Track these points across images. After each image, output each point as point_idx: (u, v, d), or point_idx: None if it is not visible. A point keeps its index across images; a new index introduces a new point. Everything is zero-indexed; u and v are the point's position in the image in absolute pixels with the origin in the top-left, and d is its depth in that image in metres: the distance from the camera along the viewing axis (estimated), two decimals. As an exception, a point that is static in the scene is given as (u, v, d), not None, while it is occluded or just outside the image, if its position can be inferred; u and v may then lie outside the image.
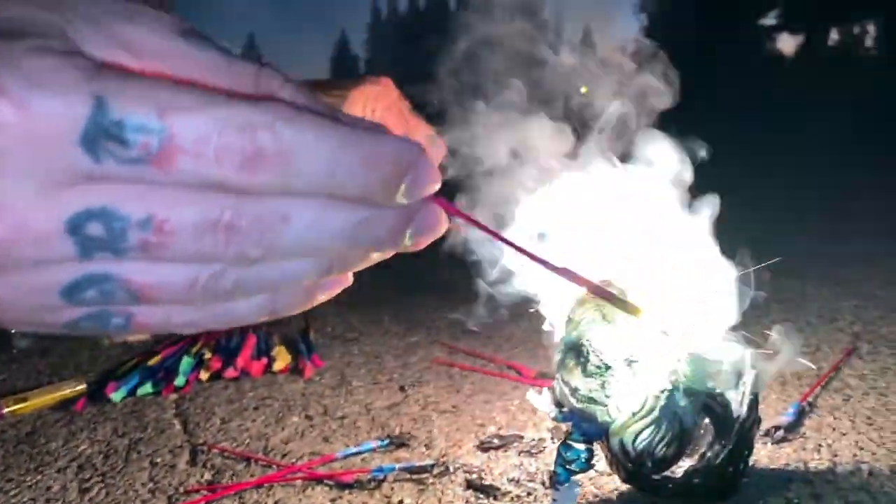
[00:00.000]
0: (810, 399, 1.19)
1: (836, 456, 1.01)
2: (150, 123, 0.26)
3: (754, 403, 0.92)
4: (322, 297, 0.35)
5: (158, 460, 1.16)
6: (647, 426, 0.83)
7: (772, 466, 0.99)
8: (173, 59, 0.29)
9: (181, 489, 1.06)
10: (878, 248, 2.25)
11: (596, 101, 0.97)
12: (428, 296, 2.06)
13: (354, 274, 0.36)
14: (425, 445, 1.14)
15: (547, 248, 0.89)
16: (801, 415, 1.12)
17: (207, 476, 1.09)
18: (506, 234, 0.44)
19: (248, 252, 0.29)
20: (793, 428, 1.09)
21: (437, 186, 0.33)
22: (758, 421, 0.93)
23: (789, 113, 7.36)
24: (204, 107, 0.27)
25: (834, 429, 1.09)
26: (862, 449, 1.02)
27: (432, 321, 1.85)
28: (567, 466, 0.87)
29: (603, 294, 0.48)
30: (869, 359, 1.39)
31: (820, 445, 1.04)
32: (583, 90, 1.02)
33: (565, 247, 0.88)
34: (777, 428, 1.08)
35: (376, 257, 0.35)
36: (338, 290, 0.36)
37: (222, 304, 0.31)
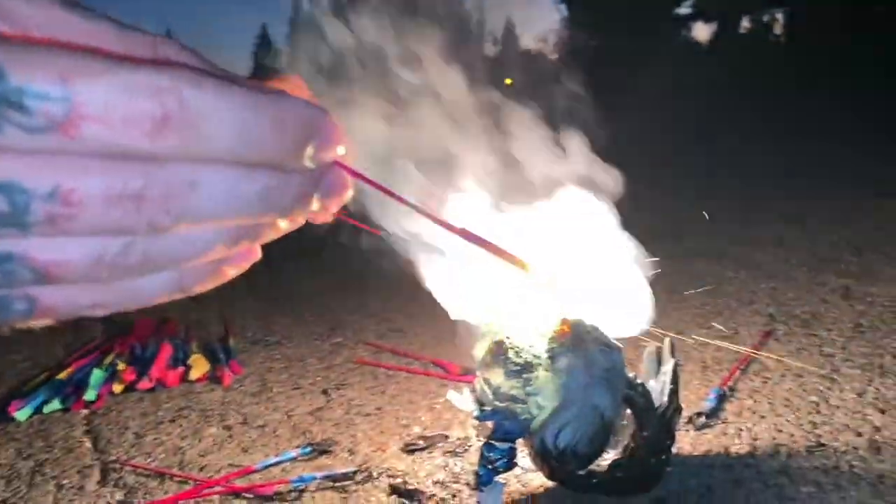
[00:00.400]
0: (730, 384, 1.20)
1: (756, 440, 1.02)
2: (53, 91, 0.25)
3: (675, 392, 0.92)
4: (231, 273, 0.35)
5: (66, 482, 1.10)
6: (569, 422, 0.82)
7: (694, 453, 1.00)
8: (60, 29, 0.27)
9: (90, 512, 1.00)
10: (792, 232, 2.32)
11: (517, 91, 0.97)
12: (354, 293, 2.02)
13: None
14: (349, 451, 1.11)
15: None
16: (721, 400, 1.14)
17: (119, 496, 1.04)
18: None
19: (158, 221, 0.28)
20: (714, 413, 1.10)
21: (342, 149, 0.33)
22: (679, 409, 0.93)
23: (702, 99, 7.53)
24: (108, 72, 0.26)
25: (754, 412, 1.11)
26: (781, 431, 1.04)
27: (358, 320, 1.81)
28: (490, 466, 0.85)
29: (495, 251, 0.50)
30: (785, 340, 1.42)
31: (740, 430, 1.05)
32: (507, 81, 1.01)
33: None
34: (699, 414, 1.09)
35: (285, 226, 0.34)
36: (246, 265, 0.35)
37: (129, 281, 0.30)
